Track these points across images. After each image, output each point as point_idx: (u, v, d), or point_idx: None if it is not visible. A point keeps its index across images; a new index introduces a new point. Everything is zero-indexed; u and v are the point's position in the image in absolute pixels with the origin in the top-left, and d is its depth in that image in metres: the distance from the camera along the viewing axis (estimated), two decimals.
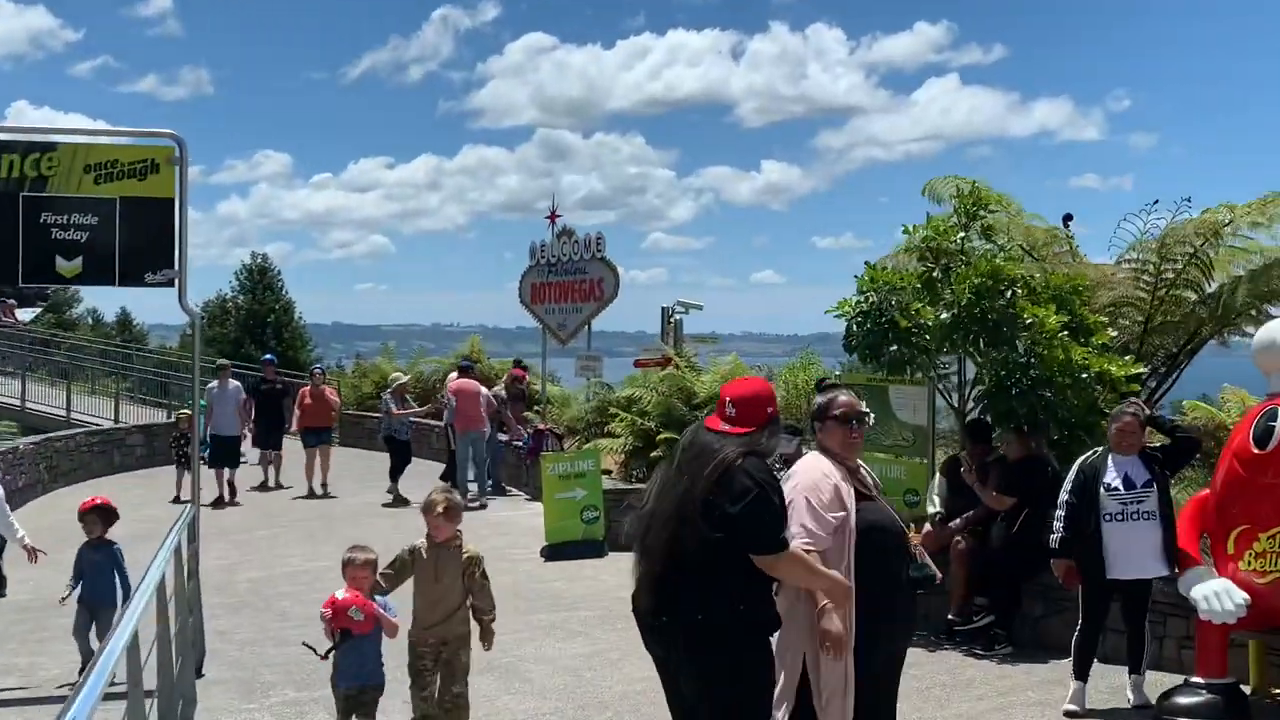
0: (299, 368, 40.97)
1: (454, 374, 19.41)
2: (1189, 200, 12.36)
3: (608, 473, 14.38)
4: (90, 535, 8.60)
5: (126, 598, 8.16)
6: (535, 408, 19.67)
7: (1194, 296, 12.49)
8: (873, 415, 5.60)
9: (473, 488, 16.89)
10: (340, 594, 6.22)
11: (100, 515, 8.68)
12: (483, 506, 16.42)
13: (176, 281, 8.99)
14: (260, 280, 53.76)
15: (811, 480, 5.02)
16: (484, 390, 17.61)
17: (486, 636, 6.40)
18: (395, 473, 17.62)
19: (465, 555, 6.37)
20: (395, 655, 6.51)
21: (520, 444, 18.33)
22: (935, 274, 10.08)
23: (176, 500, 16.54)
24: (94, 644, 7.97)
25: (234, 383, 18.30)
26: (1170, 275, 12.31)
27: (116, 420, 24.00)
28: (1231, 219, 11.79)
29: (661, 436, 14.29)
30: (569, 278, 20.14)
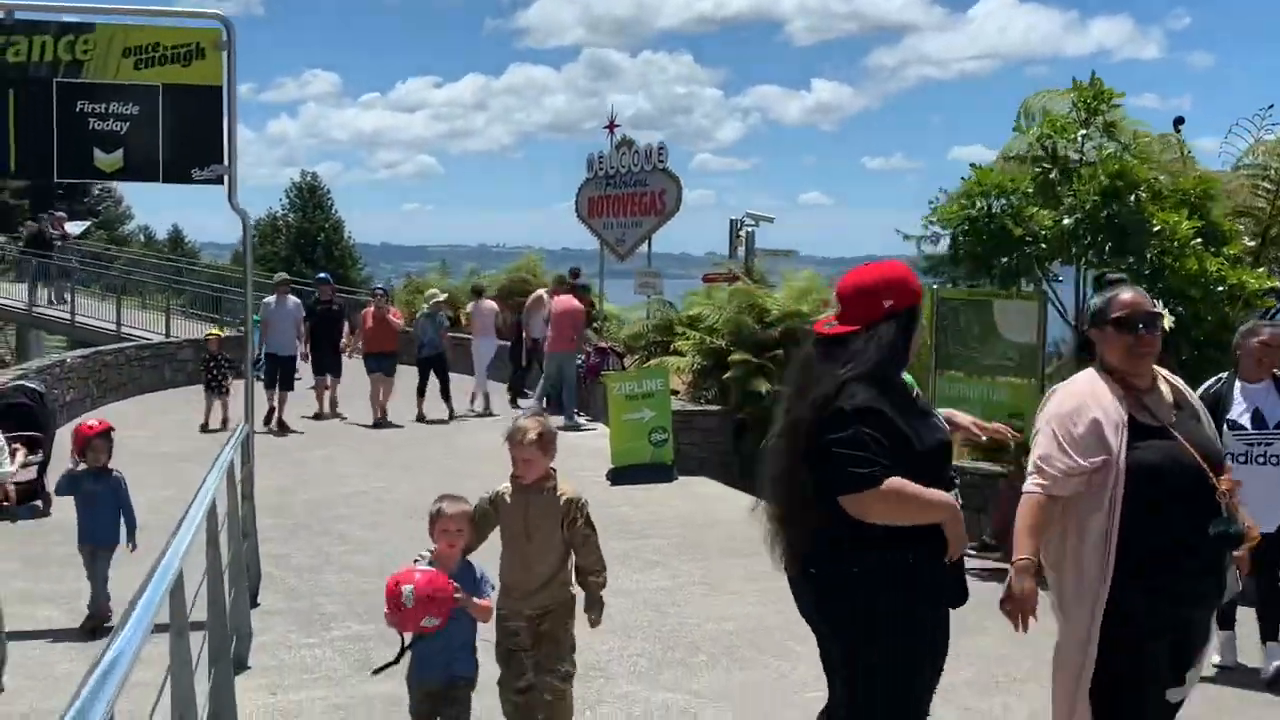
0: (351, 285, 40.41)
1: (540, 292, 18.59)
2: None
3: (675, 393, 13.54)
4: (95, 464, 7.61)
5: (131, 535, 7.46)
6: (594, 325, 18.79)
7: None
8: (1166, 316, 4.14)
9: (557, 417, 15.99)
10: (418, 569, 4.49)
11: (107, 441, 7.73)
12: (576, 427, 15.60)
13: (226, 178, 8.14)
14: (310, 199, 53.43)
15: (1066, 408, 3.93)
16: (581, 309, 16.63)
17: (594, 606, 4.88)
18: (444, 393, 16.91)
19: (564, 499, 4.84)
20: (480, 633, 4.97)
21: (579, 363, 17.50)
22: (1053, 175, 9.07)
23: (205, 428, 15.63)
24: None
25: (293, 299, 16.83)
26: None
27: (168, 335, 23.42)
28: None
29: (733, 356, 13.43)
30: (629, 190, 19.19)
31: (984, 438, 4.17)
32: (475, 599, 4.57)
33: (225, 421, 15.41)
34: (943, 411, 3.98)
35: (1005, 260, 8.92)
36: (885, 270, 3.72)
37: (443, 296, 18.34)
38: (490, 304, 19.65)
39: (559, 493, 4.84)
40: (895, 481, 3.45)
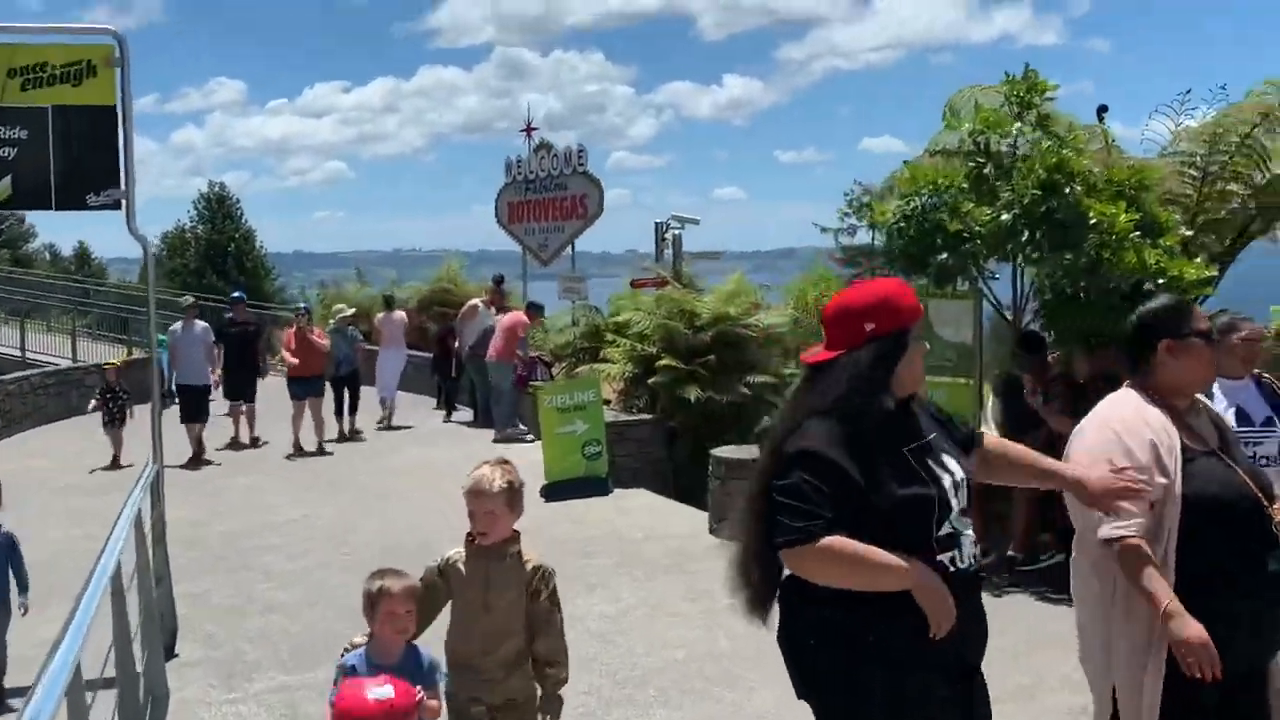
0: (264, 298, 39.51)
1: (474, 301, 18.11)
2: (1224, 88, 11.25)
3: (607, 403, 13.18)
4: None
5: (23, 591, 6.68)
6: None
7: (1241, 189, 11.37)
8: None
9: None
10: (370, 688, 3.60)
11: None
12: (512, 440, 15.09)
13: (124, 203, 7.63)
14: (219, 209, 52.22)
15: (1121, 433, 3.53)
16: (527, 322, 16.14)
17: (551, 705, 4.04)
18: (352, 408, 16.35)
19: (529, 566, 4.05)
20: None
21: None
22: (987, 170, 8.84)
23: (115, 464, 14.53)
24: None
25: (201, 323, 15.56)
26: (1216, 168, 11.17)
27: (75, 359, 22.56)
28: None
29: (662, 362, 13.09)
30: (549, 194, 18.82)
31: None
32: (428, 700, 3.79)
33: (116, 459, 14.40)
34: (1073, 472, 3.50)
35: (942, 258, 8.67)
36: (871, 289, 3.28)
37: (350, 311, 17.46)
38: (400, 315, 19.24)
39: (524, 559, 4.04)
40: (833, 540, 2.96)
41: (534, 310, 16.27)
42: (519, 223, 19.59)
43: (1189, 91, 11.42)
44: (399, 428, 16.86)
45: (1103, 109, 12.01)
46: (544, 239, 19.07)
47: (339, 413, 16.20)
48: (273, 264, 55.72)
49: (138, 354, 21.88)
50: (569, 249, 18.68)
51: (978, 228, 8.67)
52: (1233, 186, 11.37)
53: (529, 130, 19.35)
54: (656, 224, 15.24)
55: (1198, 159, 11.14)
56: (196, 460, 14.63)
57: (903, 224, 8.87)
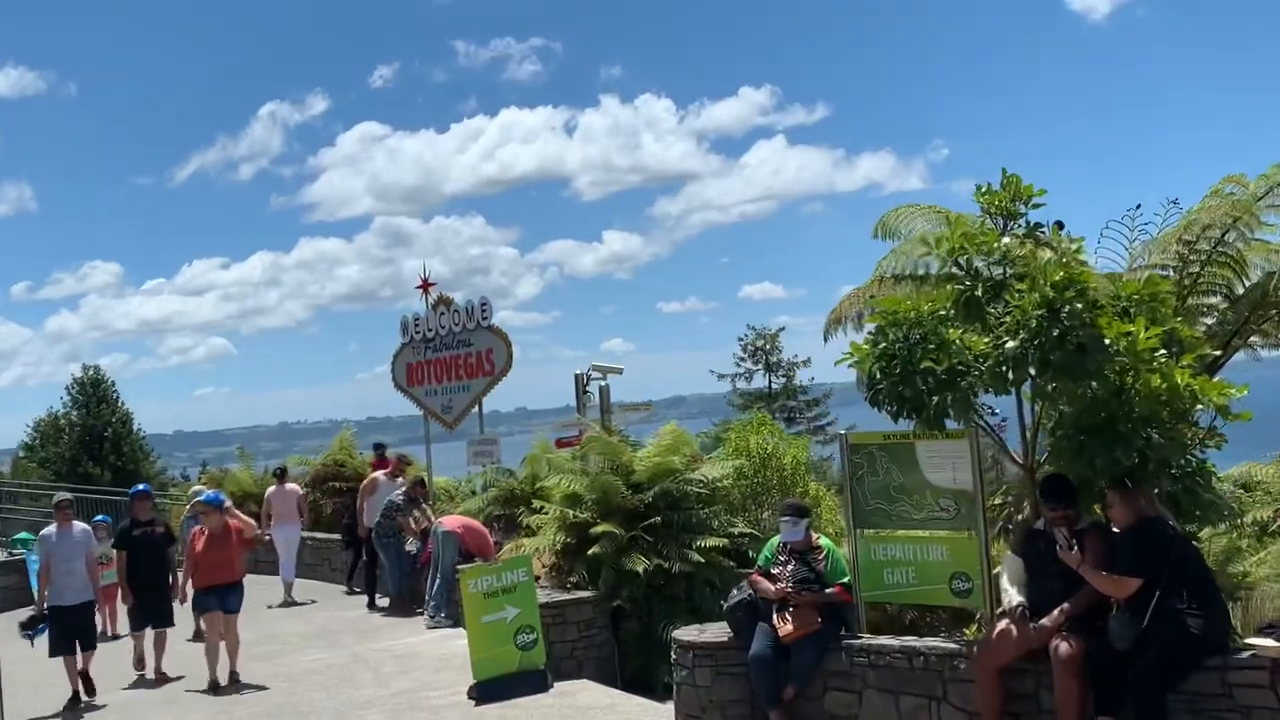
0: (143, 482, 36.95)
1: (376, 475, 16.58)
2: (1176, 202, 10.43)
3: (536, 579, 11.55)
4: None
5: None
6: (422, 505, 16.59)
7: (1219, 301, 10.47)
8: None
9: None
10: None
11: None
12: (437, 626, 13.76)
13: None
14: (94, 393, 49.55)
15: None
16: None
17: None
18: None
19: None
20: None
21: (412, 550, 15.29)
22: (977, 293, 7.65)
23: None
24: None
25: (80, 525, 12.18)
26: (1189, 280, 10.25)
27: None
28: (1267, 191, 9.78)
29: (600, 529, 11.54)
30: (452, 352, 17.37)
31: None
32: None
33: None
34: None
35: (939, 397, 7.39)
36: None
37: (206, 493, 15.28)
38: (293, 487, 17.98)
39: None
40: None
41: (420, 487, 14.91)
42: (419, 384, 18.05)
43: (1138, 206, 10.54)
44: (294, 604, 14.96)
45: (1059, 225, 11.10)
46: (448, 400, 17.55)
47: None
48: (151, 446, 52.95)
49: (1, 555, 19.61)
50: (476, 409, 17.15)
51: (972, 358, 7.45)
52: (1210, 299, 10.51)
53: (425, 286, 17.95)
54: (576, 375, 13.85)
55: (1170, 272, 10.21)
56: (76, 701, 11.51)
57: (883, 363, 7.60)
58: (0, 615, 17.39)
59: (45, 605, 11.63)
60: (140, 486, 13.68)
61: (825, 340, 10.90)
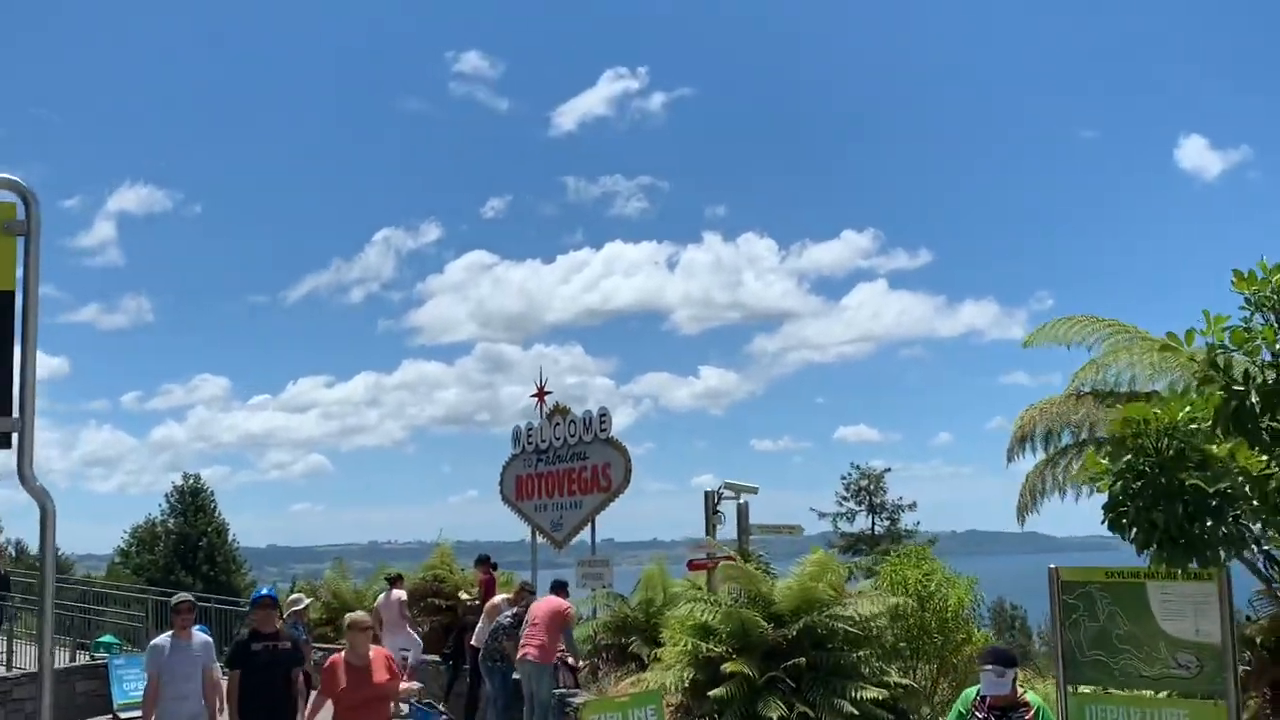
0: (234, 593, 35.98)
1: (499, 598, 15.00)
2: None
3: None
4: None
5: None
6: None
7: None
8: None
9: None
10: None
11: None
12: None
13: (16, 438, 4.83)
14: (192, 501, 49.21)
15: None
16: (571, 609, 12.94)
17: None
18: None
19: None
20: None
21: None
22: (1250, 402, 6.19)
23: None
24: None
25: (201, 636, 9.62)
26: None
27: (9, 665, 19.02)
28: None
29: (732, 666, 10.02)
30: (565, 465, 16.12)
31: None
32: None
33: None
34: None
35: (1198, 526, 5.90)
36: None
37: (305, 603, 14.27)
38: (400, 594, 16.40)
39: None
40: None
41: (563, 591, 13.26)
42: (528, 499, 16.81)
43: None
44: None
45: None
46: (558, 516, 16.25)
47: None
48: (244, 558, 52.31)
49: (82, 660, 18.46)
50: (587, 528, 15.81)
51: (1241, 482, 5.98)
52: None
53: (541, 394, 16.81)
54: (707, 494, 12.47)
55: None
56: None
57: (1128, 480, 6.15)
58: None
59: None
60: (264, 590, 10.15)
61: (1009, 461, 9.55)
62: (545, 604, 12.81)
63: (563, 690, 12.73)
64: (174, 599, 9.71)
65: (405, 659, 15.30)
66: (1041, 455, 10.00)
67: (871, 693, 9.80)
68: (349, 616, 8.75)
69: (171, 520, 48.44)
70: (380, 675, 8.28)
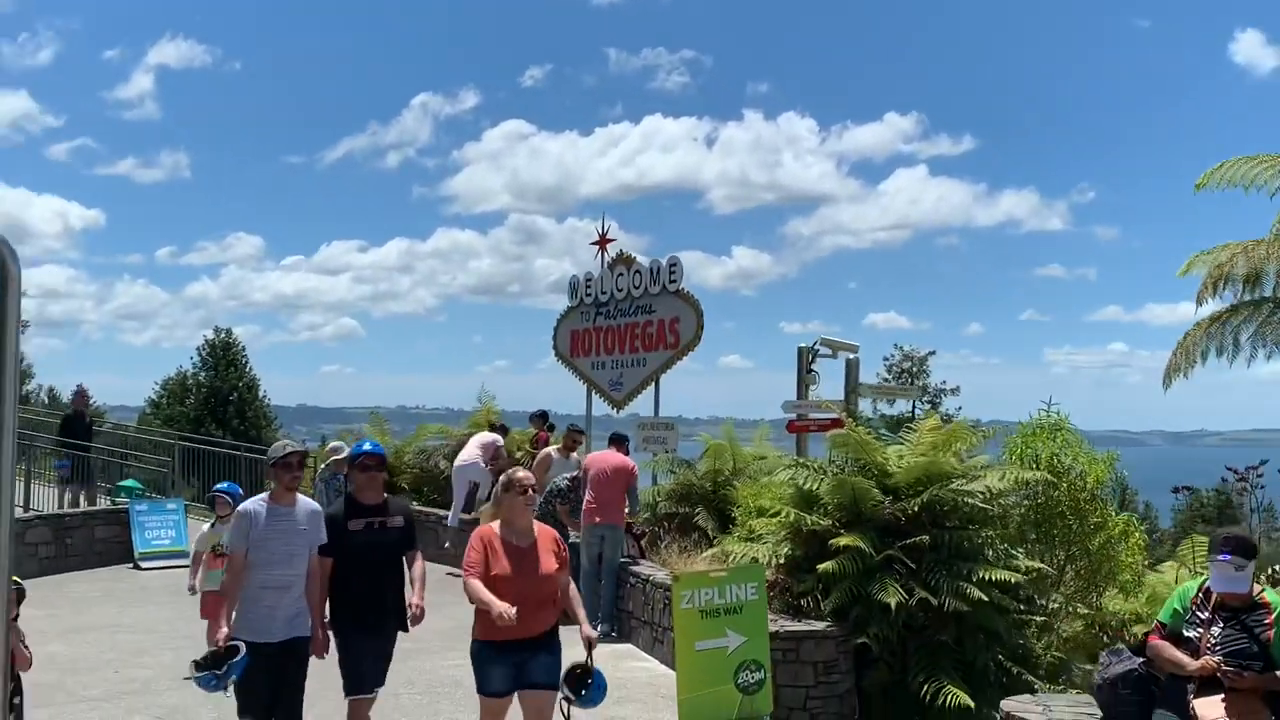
0: (263, 445, 34.70)
1: (548, 450, 13.50)
2: None
3: None
4: None
5: None
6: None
7: None
8: None
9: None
10: None
11: None
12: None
13: None
14: (223, 356, 47.97)
15: None
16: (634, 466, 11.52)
17: None
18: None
19: None
20: None
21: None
22: None
23: None
24: None
25: (308, 502, 6.33)
26: None
27: (26, 507, 17.73)
28: None
29: (843, 540, 8.43)
30: (628, 319, 14.40)
31: None
32: None
33: None
34: None
35: None
36: None
37: (345, 451, 11.72)
38: (494, 438, 15.05)
39: None
40: None
41: (623, 446, 11.70)
42: (585, 355, 15.15)
43: None
44: None
45: None
46: (618, 375, 14.60)
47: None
48: (275, 414, 51.33)
49: (104, 504, 17.13)
50: (652, 387, 14.17)
51: None
52: None
53: (603, 241, 15.02)
54: (801, 349, 10.73)
55: None
56: None
57: None
58: (91, 571, 14.84)
59: (229, 634, 5.89)
60: (367, 445, 6.64)
61: (1198, 305, 7.89)
62: (607, 459, 11.27)
63: (626, 559, 11.26)
64: (277, 449, 6.29)
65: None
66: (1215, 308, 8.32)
67: (1001, 574, 8.22)
68: (509, 474, 6.03)
69: (202, 374, 47.37)
70: (549, 563, 5.76)
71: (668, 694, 9.14)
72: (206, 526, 9.42)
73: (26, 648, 5.67)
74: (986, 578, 8.18)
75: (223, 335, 48.97)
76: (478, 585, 5.60)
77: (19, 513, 16.91)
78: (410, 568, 6.40)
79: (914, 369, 38.99)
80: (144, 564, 14.92)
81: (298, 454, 6.16)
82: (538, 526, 5.95)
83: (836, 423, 10.30)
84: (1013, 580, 8.27)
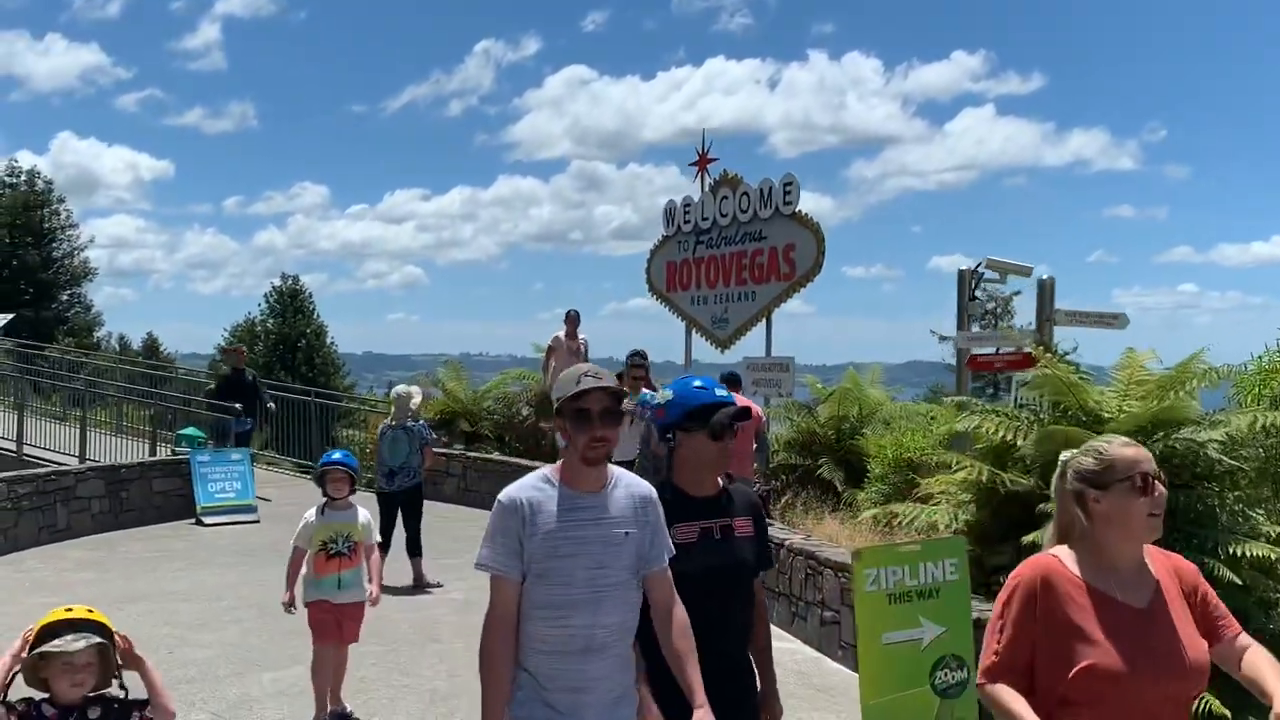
0: (334, 391, 33.45)
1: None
2: None
3: None
4: None
5: None
6: None
7: None
8: None
9: None
10: None
11: None
12: None
13: None
14: (291, 303, 47.03)
15: None
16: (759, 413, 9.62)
17: None
18: (414, 544, 10.01)
19: None
20: None
21: None
22: None
23: None
24: None
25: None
26: None
27: (82, 458, 16.35)
28: None
29: (1051, 506, 6.56)
30: (736, 247, 12.60)
31: None
32: None
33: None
34: None
35: None
36: None
37: (418, 397, 10.43)
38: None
39: None
40: None
41: (738, 386, 9.90)
42: (684, 289, 13.38)
43: None
44: None
45: None
46: (722, 311, 12.82)
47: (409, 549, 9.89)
48: (343, 362, 50.36)
49: (163, 454, 15.63)
50: (763, 324, 12.36)
51: None
52: None
53: (703, 162, 13.18)
54: (962, 274, 8.85)
55: None
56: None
57: None
58: (149, 528, 13.39)
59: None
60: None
61: None
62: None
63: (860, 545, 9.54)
64: (568, 380, 3.16)
65: None
66: None
67: (1259, 549, 6.34)
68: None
69: (270, 321, 46.44)
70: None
71: (822, 685, 7.44)
72: (311, 514, 6.36)
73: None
74: (1237, 553, 6.32)
75: (290, 283, 47.97)
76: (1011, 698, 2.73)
77: (73, 463, 15.56)
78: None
79: (999, 309, 36.95)
80: (206, 519, 13.43)
81: (613, 393, 3.08)
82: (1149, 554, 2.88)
83: (1028, 358, 8.44)
84: (1273, 557, 6.39)
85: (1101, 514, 2.78)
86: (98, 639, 3.13)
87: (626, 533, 3.11)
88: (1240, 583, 6.35)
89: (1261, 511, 7.18)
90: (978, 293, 8.97)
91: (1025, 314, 12.88)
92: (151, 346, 56.50)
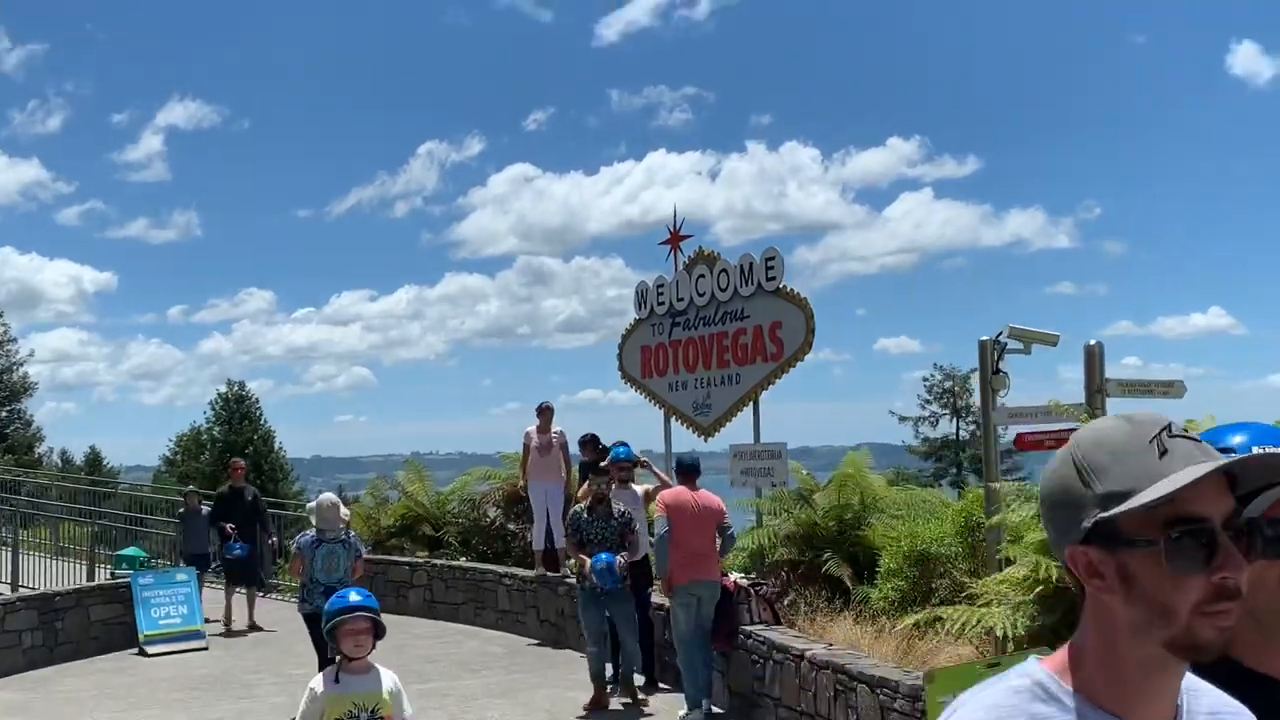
0: (282, 498, 31.98)
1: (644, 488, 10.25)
2: None
3: None
4: None
5: None
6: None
7: None
8: None
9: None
10: None
11: None
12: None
13: None
14: (237, 409, 45.58)
15: None
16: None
17: None
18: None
19: None
20: None
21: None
22: None
23: None
24: None
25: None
26: None
27: (14, 586, 14.91)
28: None
29: None
30: (714, 328, 11.70)
31: None
32: None
33: None
34: None
35: None
36: None
37: (344, 508, 9.32)
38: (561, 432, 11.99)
39: None
40: None
41: (689, 474, 8.91)
42: (660, 374, 12.44)
43: None
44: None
45: None
46: (703, 396, 11.89)
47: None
48: (291, 467, 48.78)
49: (101, 579, 14.26)
50: (750, 408, 11.43)
51: None
52: None
53: (675, 240, 12.36)
54: (983, 344, 8.02)
55: None
56: None
57: None
58: (86, 661, 12.04)
59: None
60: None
61: None
62: (700, 498, 8.56)
63: (758, 623, 8.52)
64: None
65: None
66: None
67: None
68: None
69: (217, 428, 44.96)
70: None
71: None
72: (318, 683, 4.85)
73: None
74: None
75: (235, 389, 46.55)
76: None
77: (4, 592, 14.14)
78: None
79: (955, 388, 36.46)
80: (150, 648, 12.10)
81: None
82: None
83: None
84: None
85: None
86: None
87: None
88: None
89: None
90: (1000, 358, 8.09)
91: (1028, 388, 12.05)
92: (94, 460, 54.49)
